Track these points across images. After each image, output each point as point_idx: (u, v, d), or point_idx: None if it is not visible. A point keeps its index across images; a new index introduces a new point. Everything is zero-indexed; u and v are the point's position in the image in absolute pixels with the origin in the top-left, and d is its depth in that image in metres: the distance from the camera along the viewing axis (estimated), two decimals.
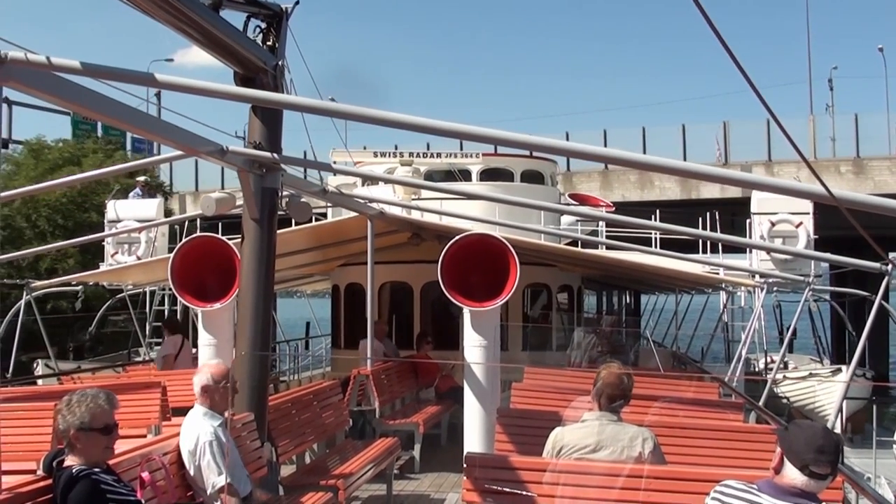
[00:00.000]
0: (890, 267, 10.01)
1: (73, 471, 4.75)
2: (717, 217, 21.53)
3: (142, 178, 24.07)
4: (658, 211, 24.17)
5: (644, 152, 35.47)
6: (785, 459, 3.96)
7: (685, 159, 33.86)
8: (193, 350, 13.81)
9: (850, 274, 18.25)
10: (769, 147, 36.22)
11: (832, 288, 20.18)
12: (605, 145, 36.43)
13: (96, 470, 4.82)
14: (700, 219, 21.38)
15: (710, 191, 34.03)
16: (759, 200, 18.08)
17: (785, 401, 19.61)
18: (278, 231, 8.37)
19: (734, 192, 28.16)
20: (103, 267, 19.17)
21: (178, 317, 20.84)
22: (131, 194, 22.37)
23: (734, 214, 20.61)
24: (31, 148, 35.64)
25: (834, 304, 23.82)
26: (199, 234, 13.32)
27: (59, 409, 4.88)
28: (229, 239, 10.98)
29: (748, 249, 18.49)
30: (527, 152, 19.51)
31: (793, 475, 3.91)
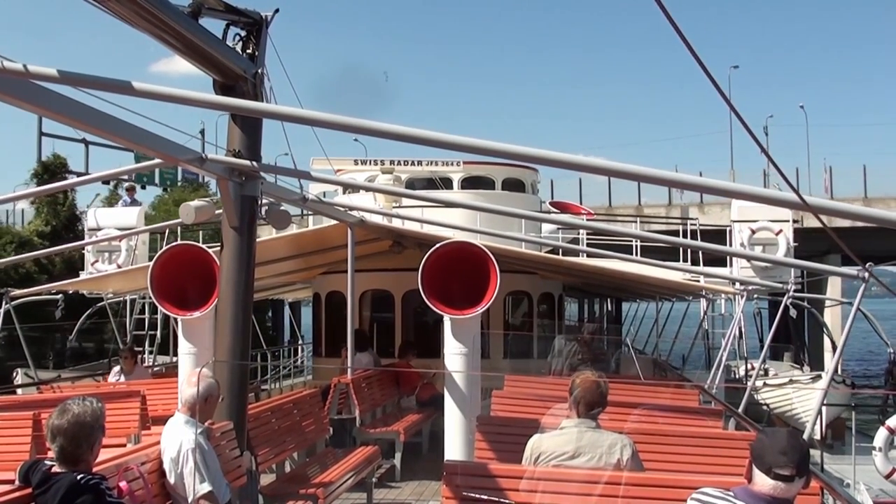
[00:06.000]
0: (868, 274, 10.08)
1: (79, 478, 4.67)
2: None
3: (128, 184, 24.07)
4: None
5: None
6: (753, 466, 3.99)
7: None
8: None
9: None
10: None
11: (811, 295, 20.27)
12: None
13: (101, 478, 4.78)
14: (681, 228, 21.53)
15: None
16: (739, 208, 18.18)
17: (765, 407, 19.68)
18: (259, 239, 8.36)
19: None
20: (83, 275, 19.08)
21: (158, 326, 20.78)
22: (119, 202, 22.36)
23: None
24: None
25: (814, 309, 23.99)
26: (179, 242, 13.29)
27: (83, 418, 4.79)
28: (209, 247, 10.96)
29: (728, 257, 18.59)
30: (508, 160, 19.53)
31: (761, 481, 3.93)
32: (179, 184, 40.91)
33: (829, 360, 25.45)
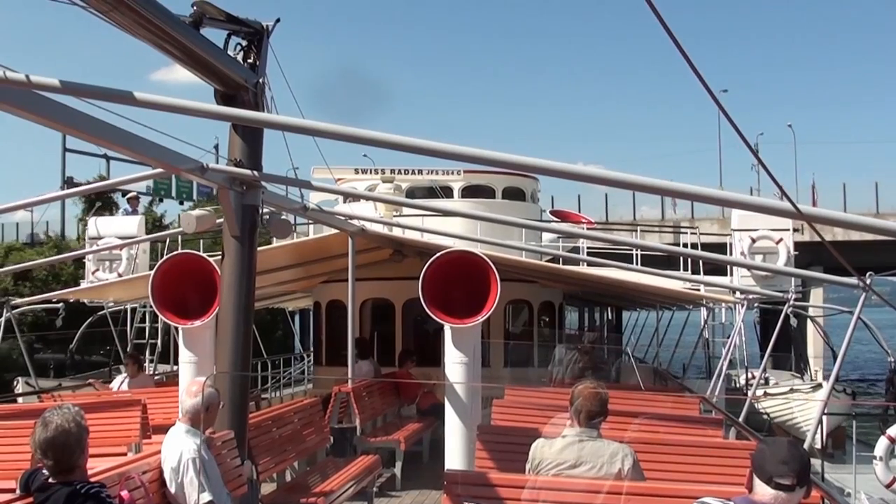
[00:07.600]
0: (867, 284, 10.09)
1: (78, 487, 4.66)
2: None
3: (132, 193, 24.09)
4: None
5: None
6: (754, 476, 3.99)
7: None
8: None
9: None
10: (692, 206, 46.73)
11: (812, 304, 20.30)
12: None
13: (101, 486, 4.78)
14: (681, 237, 21.58)
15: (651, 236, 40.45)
16: (739, 217, 18.18)
17: (765, 416, 19.67)
18: (259, 248, 8.37)
19: (669, 238, 37.54)
20: (84, 284, 19.09)
21: (159, 335, 20.77)
22: (120, 211, 22.38)
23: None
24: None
25: (815, 318, 24.00)
26: (180, 250, 13.29)
27: (67, 425, 4.73)
28: (210, 256, 10.97)
29: (728, 267, 18.59)
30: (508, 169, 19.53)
31: (762, 490, 3.93)
32: (196, 198, 40.98)
33: (813, 366, 25.58)
